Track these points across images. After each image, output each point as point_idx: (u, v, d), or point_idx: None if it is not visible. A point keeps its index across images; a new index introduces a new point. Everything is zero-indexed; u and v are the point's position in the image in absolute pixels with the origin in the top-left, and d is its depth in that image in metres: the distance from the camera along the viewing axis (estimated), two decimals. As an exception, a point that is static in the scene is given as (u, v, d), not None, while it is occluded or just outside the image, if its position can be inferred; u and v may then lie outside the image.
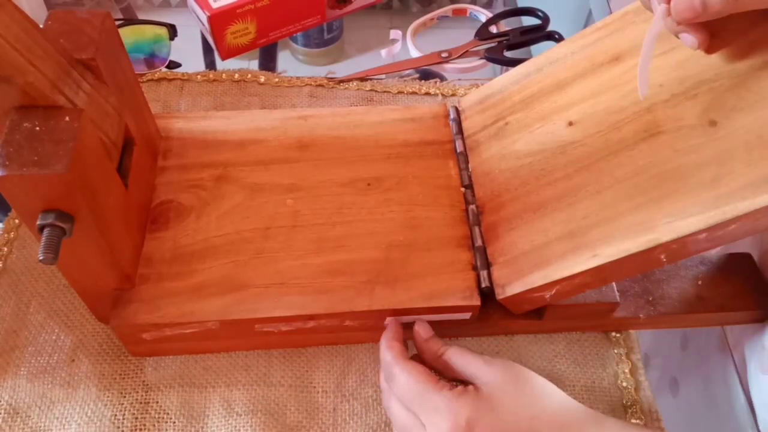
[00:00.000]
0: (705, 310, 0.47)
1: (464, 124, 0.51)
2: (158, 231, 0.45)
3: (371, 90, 0.62)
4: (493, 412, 0.35)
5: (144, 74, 0.61)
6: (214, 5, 0.60)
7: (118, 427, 0.43)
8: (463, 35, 0.68)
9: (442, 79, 0.64)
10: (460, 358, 0.39)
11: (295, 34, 0.70)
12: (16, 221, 0.51)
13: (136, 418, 0.43)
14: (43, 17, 0.38)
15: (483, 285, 0.43)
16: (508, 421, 0.35)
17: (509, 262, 0.42)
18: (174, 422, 0.43)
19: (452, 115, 0.52)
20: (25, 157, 0.31)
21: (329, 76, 0.63)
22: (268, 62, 0.72)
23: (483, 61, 0.66)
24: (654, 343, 0.59)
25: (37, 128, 0.32)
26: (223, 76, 0.61)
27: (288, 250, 0.44)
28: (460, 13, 0.73)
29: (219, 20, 0.60)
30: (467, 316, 0.44)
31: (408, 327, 0.44)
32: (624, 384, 0.46)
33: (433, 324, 0.44)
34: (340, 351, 0.47)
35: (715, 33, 0.34)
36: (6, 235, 0.51)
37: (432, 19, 0.71)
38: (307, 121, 0.51)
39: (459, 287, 0.43)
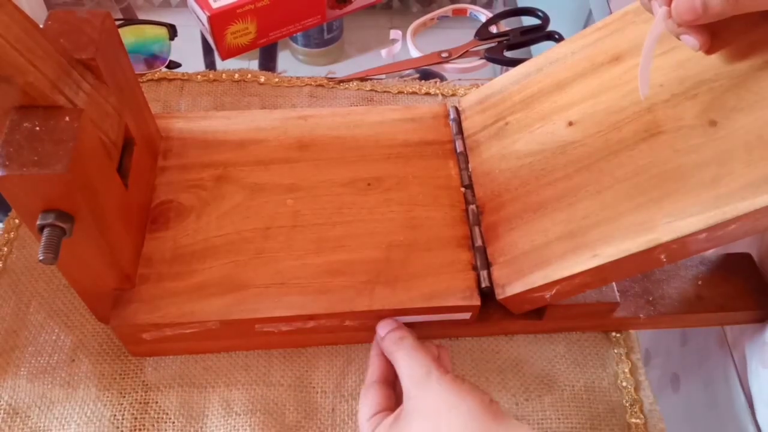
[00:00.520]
0: (705, 310, 0.47)
1: (464, 124, 0.51)
2: (158, 231, 0.45)
3: (371, 90, 0.62)
4: None
5: (144, 74, 0.61)
6: (214, 5, 0.60)
7: (117, 427, 0.43)
8: (463, 35, 0.68)
9: (442, 79, 0.64)
10: (405, 358, 0.38)
11: (295, 34, 0.70)
12: (16, 221, 0.51)
13: (135, 419, 0.43)
14: (43, 17, 0.38)
15: (483, 285, 0.43)
16: None
17: (509, 262, 0.42)
18: (173, 422, 0.43)
19: (452, 115, 0.52)
20: (25, 157, 0.31)
21: (329, 76, 0.63)
22: (268, 62, 0.72)
23: (483, 61, 0.66)
24: (654, 341, 0.59)
25: (37, 128, 0.32)
26: (223, 76, 0.61)
27: (288, 250, 0.44)
28: (460, 13, 0.73)
29: (219, 20, 0.60)
30: (467, 316, 0.44)
31: (409, 326, 0.44)
32: (624, 384, 0.46)
33: (433, 324, 0.44)
34: (339, 351, 0.47)
35: (715, 33, 0.34)
36: (6, 235, 0.51)
37: (432, 19, 0.71)
38: (307, 121, 0.51)
39: (459, 287, 0.43)
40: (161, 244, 0.44)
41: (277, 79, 0.61)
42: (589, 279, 0.39)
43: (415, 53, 0.67)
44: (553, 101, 0.45)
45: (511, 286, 0.42)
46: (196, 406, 0.44)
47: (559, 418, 0.44)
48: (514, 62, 0.64)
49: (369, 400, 0.39)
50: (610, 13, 0.66)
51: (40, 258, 0.32)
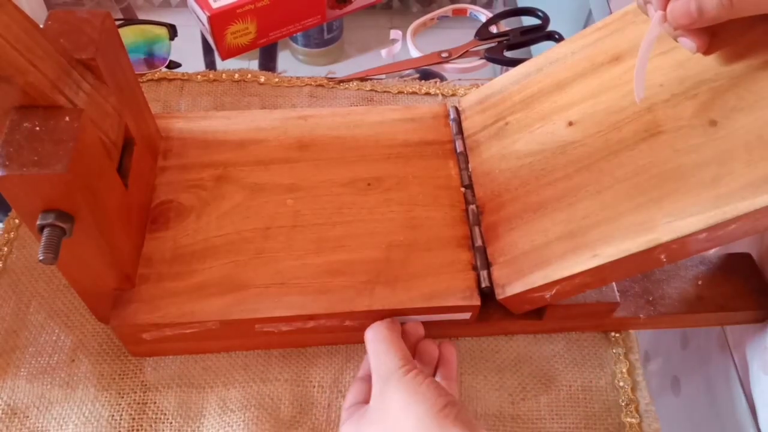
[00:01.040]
0: (705, 310, 0.47)
1: (464, 124, 0.51)
2: (158, 231, 0.45)
3: (371, 90, 0.62)
4: None
5: (144, 74, 0.61)
6: (214, 5, 0.60)
7: (115, 428, 0.43)
8: (463, 35, 0.68)
9: (442, 79, 0.64)
10: (374, 355, 0.39)
11: (295, 34, 0.70)
12: (16, 221, 0.51)
13: (133, 419, 0.43)
14: (43, 17, 0.38)
15: (483, 285, 0.43)
16: None
17: (509, 262, 0.42)
18: (171, 422, 0.43)
19: (452, 115, 0.52)
20: (25, 157, 0.31)
21: (329, 76, 0.63)
22: (268, 62, 0.72)
23: (483, 61, 0.66)
24: (653, 342, 0.59)
25: (37, 128, 0.32)
26: (223, 76, 0.61)
27: (288, 250, 0.44)
28: (460, 13, 0.73)
29: (219, 20, 0.60)
30: (467, 316, 0.44)
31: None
32: (621, 383, 0.46)
33: (433, 324, 0.44)
34: (339, 349, 0.47)
35: (715, 33, 0.34)
36: (6, 235, 0.51)
37: (432, 19, 0.71)
38: (307, 121, 0.51)
39: (459, 287, 0.43)
40: (161, 244, 0.44)
41: (277, 79, 0.61)
42: (589, 279, 0.39)
43: (415, 53, 0.67)
44: (553, 101, 0.45)
45: (511, 286, 0.42)
46: (194, 406, 0.44)
47: (553, 418, 0.44)
48: (514, 62, 0.64)
49: (352, 390, 0.41)
50: (610, 13, 0.66)
51: (40, 258, 0.32)
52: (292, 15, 0.65)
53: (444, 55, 0.66)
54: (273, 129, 0.51)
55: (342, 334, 0.45)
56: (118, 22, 0.63)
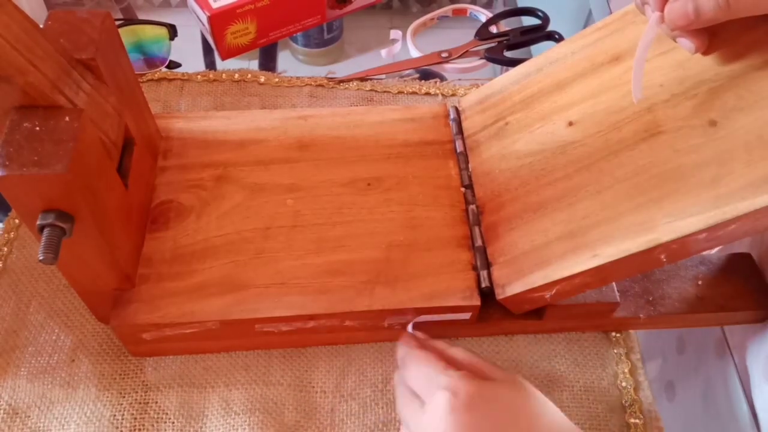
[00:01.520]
0: (705, 310, 0.47)
1: (464, 124, 0.51)
2: (158, 231, 0.45)
3: (371, 90, 0.62)
4: (495, 403, 0.34)
5: (144, 74, 0.61)
6: (214, 5, 0.60)
7: (117, 428, 0.43)
8: (463, 35, 0.68)
9: (442, 79, 0.64)
10: (467, 354, 0.38)
11: (295, 34, 0.70)
12: (16, 221, 0.51)
13: (135, 419, 0.43)
14: (43, 17, 0.38)
15: (483, 285, 0.43)
16: (505, 421, 0.34)
17: (509, 262, 0.42)
18: (173, 422, 0.43)
19: (452, 115, 0.52)
20: (25, 157, 0.31)
21: (329, 76, 0.63)
22: (268, 62, 0.72)
23: (483, 61, 0.66)
24: (648, 343, 0.59)
25: (37, 128, 0.32)
26: (223, 76, 0.61)
27: (288, 250, 0.44)
28: (460, 13, 0.73)
29: (219, 20, 0.60)
30: (467, 316, 0.44)
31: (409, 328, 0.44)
32: (623, 384, 0.46)
33: (433, 324, 0.44)
34: (340, 351, 0.47)
35: (714, 33, 0.34)
36: (6, 235, 0.51)
37: (432, 19, 0.71)
38: (307, 121, 0.51)
39: (459, 287, 0.43)
40: (161, 244, 0.44)
41: (277, 79, 0.61)
42: (589, 279, 0.39)
43: (415, 53, 0.67)
44: (553, 101, 0.45)
45: (511, 286, 0.42)
46: (195, 406, 0.44)
47: (558, 419, 0.44)
48: (514, 62, 0.64)
49: (429, 354, 0.38)
50: (610, 13, 0.66)
51: (40, 258, 0.32)
52: (292, 15, 0.65)
53: (444, 55, 0.66)
54: (273, 129, 0.51)
55: (342, 334, 0.45)
56: (118, 22, 0.63)
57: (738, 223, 0.33)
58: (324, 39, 0.73)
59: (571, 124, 0.43)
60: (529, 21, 0.69)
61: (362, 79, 0.63)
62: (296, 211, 0.46)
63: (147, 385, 0.44)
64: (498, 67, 0.68)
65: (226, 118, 0.51)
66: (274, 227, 0.45)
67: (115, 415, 0.43)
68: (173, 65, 0.64)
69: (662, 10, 0.33)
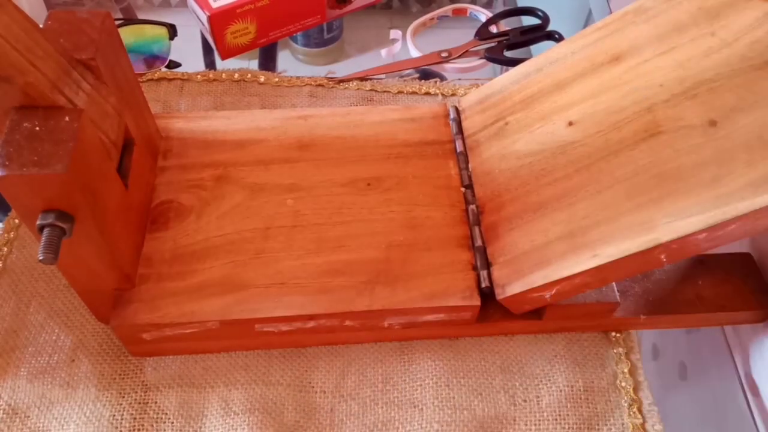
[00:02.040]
0: (705, 310, 0.47)
1: (464, 124, 0.51)
2: (158, 231, 0.45)
3: (371, 90, 0.62)
4: None
5: (144, 74, 0.61)
6: (214, 5, 0.60)
7: (116, 428, 0.43)
8: (463, 35, 0.68)
9: (442, 79, 0.64)
10: None
11: (295, 34, 0.70)
12: (16, 221, 0.51)
13: (135, 419, 0.43)
14: (43, 17, 0.38)
15: (483, 285, 0.43)
16: None
17: (509, 262, 0.42)
18: (172, 422, 0.43)
19: (452, 115, 0.52)
20: (25, 157, 0.31)
21: (329, 76, 0.63)
22: (268, 62, 0.72)
23: (483, 61, 0.66)
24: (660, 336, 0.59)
25: (37, 128, 0.32)
26: (223, 76, 0.61)
27: (288, 250, 0.44)
28: (460, 13, 0.73)
29: (219, 20, 0.60)
30: (467, 316, 0.44)
31: (409, 327, 0.44)
32: (623, 384, 0.46)
33: (433, 324, 0.44)
34: (340, 351, 0.47)
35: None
36: (6, 235, 0.51)
37: (432, 18, 0.71)
38: (307, 121, 0.51)
39: (459, 287, 0.43)
40: (161, 244, 0.44)
41: (277, 79, 0.61)
42: (589, 279, 0.39)
43: (415, 53, 0.67)
44: (553, 101, 0.45)
45: (511, 286, 0.42)
46: (195, 406, 0.44)
47: (556, 419, 0.44)
48: (514, 62, 0.64)
49: None
50: (610, 13, 0.66)
51: (40, 258, 0.32)
52: (292, 15, 0.65)
53: (444, 55, 0.66)
54: (273, 129, 0.51)
55: (342, 334, 0.45)
56: (118, 22, 0.63)
57: (738, 223, 0.33)
58: (324, 39, 0.73)
59: (571, 124, 0.43)
60: (529, 21, 0.69)
61: (362, 79, 0.63)
62: (296, 211, 0.46)
63: (147, 385, 0.44)
64: (498, 67, 0.68)
65: (226, 118, 0.51)
66: (274, 227, 0.45)
67: (114, 415, 0.43)
68: (173, 65, 0.64)
69: None
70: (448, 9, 0.72)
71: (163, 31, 0.65)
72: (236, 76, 0.61)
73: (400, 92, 0.62)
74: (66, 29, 0.37)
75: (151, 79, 0.61)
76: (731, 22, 0.32)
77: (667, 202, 0.35)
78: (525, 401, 0.45)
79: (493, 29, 0.69)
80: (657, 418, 0.45)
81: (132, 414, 0.43)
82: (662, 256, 0.36)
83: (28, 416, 0.43)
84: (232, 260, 0.43)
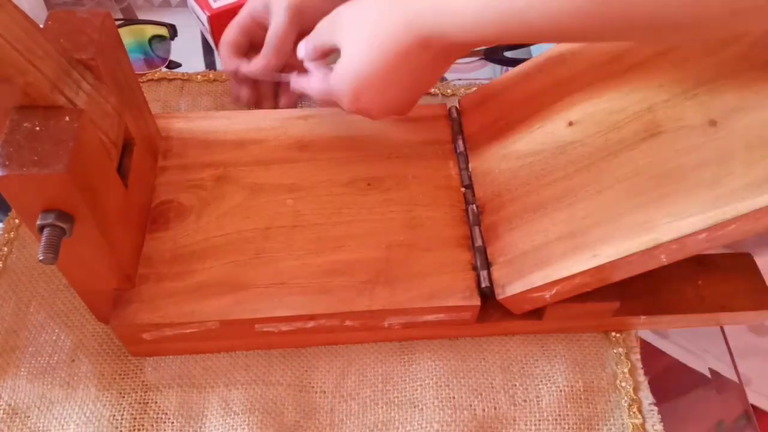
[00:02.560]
0: (705, 310, 0.47)
1: (464, 124, 0.51)
2: (158, 231, 0.45)
3: (371, 90, 0.62)
4: None
5: (144, 74, 0.61)
6: (214, 5, 0.60)
7: (116, 428, 0.43)
8: (463, 35, 0.68)
9: (442, 79, 0.64)
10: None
11: (295, 34, 0.69)
12: (16, 221, 0.51)
13: (135, 418, 0.43)
14: (43, 17, 0.38)
15: (483, 285, 0.43)
16: None
17: (509, 262, 0.42)
18: (172, 422, 0.43)
19: (452, 115, 0.52)
20: (25, 157, 0.31)
21: (329, 76, 0.62)
22: (268, 62, 0.72)
23: (483, 60, 0.66)
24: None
25: (37, 128, 0.32)
26: (223, 76, 0.61)
27: (288, 250, 0.44)
28: (460, 13, 0.73)
29: (219, 20, 0.60)
30: (467, 316, 0.44)
31: (409, 327, 0.44)
32: (623, 384, 0.46)
33: (433, 324, 0.44)
34: (340, 351, 0.47)
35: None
36: (6, 235, 0.51)
37: (432, 19, 0.71)
38: (307, 121, 0.51)
39: (459, 287, 0.43)
40: (161, 244, 0.44)
41: (277, 79, 0.61)
42: (589, 279, 0.39)
43: (415, 53, 0.67)
44: (553, 101, 0.45)
45: (511, 286, 0.42)
46: (195, 406, 0.44)
47: (556, 419, 0.44)
48: (514, 62, 0.64)
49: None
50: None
51: (40, 258, 0.32)
52: (292, 15, 0.65)
53: (444, 55, 0.66)
54: (273, 129, 0.51)
55: (342, 334, 0.45)
56: (118, 22, 0.63)
57: (738, 223, 0.33)
58: (324, 39, 0.73)
59: (571, 124, 0.43)
60: (529, 21, 0.69)
61: (362, 79, 0.62)
62: (296, 211, 0.46)
63: (147, 385, 0.44)
64: (498, 67, 0.68)
65: (226, 118, 0.51)
66: (274, 227, 0.45)
67: (114, 415, 0.43)
68: (173, 65, 0.64)
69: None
70: (448, 9, 0.72)
71: (163, 31, 0.65)
72: (236, 76, 0.61)
73: (400, 92, 0.62)
74: (66, 29, 0.37)
75: (152, 79, 0.61)
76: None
77: (667, 202, 0.35)
78: (525, 401, 0.45)
79: (493, 29, 0.68)
80: (657, 418, 0.45)
81: (132, 414, 0.43)
82: (662, 256, 0.36)
83: (28, 416, 0.43)
84: (232, 260, 0.43)
